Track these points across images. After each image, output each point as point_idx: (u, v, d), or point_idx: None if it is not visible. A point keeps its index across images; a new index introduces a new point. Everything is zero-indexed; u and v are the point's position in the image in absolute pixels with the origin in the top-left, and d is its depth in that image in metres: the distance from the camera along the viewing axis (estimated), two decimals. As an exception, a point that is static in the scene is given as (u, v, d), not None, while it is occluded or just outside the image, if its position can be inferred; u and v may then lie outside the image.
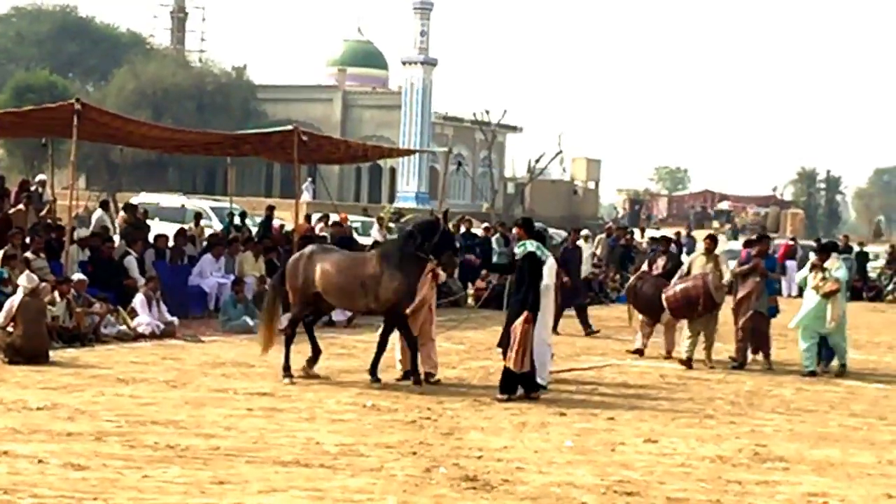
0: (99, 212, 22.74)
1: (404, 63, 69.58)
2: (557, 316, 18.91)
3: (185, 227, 23.72)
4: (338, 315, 17.93)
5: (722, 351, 16.12)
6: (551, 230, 37.85)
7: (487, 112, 67.23)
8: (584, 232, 30.41)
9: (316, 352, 12.91)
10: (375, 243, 24.74)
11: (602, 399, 12.46)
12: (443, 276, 13.18)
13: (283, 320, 13.49)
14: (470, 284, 24.04)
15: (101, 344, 15.06)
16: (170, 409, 10.63)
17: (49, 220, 20.17)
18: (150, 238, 20.88)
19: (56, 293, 14.89)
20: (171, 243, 20.26)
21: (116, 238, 20.19)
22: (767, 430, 10.94)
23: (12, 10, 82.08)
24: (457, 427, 10.36)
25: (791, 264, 29.84)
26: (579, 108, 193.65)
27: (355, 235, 27.71)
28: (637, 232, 34.82)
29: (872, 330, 23.14)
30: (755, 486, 8.55)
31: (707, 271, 15.33)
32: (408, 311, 12.41)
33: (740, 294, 15.57)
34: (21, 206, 19.88)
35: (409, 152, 61.21)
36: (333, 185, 58.88)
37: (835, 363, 15.31)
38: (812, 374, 14.93)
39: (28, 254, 16.49)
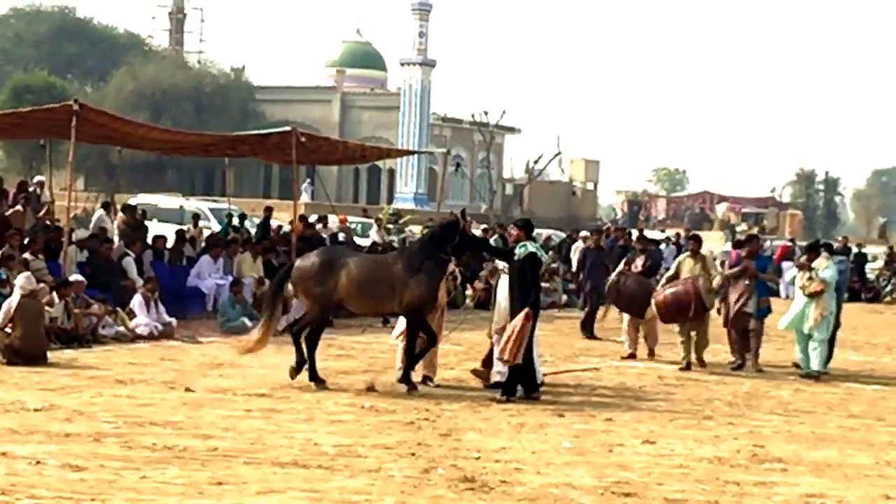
0: (100, 212, 22.74)
1: (403, 64, 69.61)
2: (592, 317, 18.90)
3: (184, 228, 23.73)
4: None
5: (720, 352, 16.13)
6: (551, 231, 37.93)
7: (486, 113, 67.27)
8: (584, 233, 30.47)
9: (301, 362, 12.41)
10: (373, 244, 24.79)
11: (600, 400, 12.46)
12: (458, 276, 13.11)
13: (283, 321, 13.45)
14: (469, 286, 24.03)
15: (99, 345, 15.06)
16: (168, 409, 10.62)
17: (48, 222, 20.16)
18: (149, 239, 20.88)
19: (55, 294, 14.90)
20: (169, 244, 20.26)
21: (115, 239, 20.20)
22: (765, 431, 10.94)
23: (11, 11, 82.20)
24: (455, 428, 10.36)
25: (788, 265, 29.81)
26: (578, 110, 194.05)
27: (355, 237, 27.76)
28: (635, 233, 34.78)
29: (870, 331, 23.15)
30: (753, 487, 8.55)
31: (696, 273, 15.26)
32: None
33: (732, 296, 15.45)
34: (19, 207, 19.89)
35: (407, 153, 61.16)
36: (332, 187, 58.95)
37: (815, 366, 14.84)
38: (809, 375, 14.89)
39: (27, 255, 16.49)
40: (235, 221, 25.23)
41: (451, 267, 12.83)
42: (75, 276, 16.09)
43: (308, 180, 52.57)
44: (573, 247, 28.98)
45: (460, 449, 9.42)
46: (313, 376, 12.27)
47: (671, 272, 15.76)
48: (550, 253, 25.41)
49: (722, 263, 18.20)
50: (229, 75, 75.01)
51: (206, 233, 24.40)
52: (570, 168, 78.15)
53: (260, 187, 68.73)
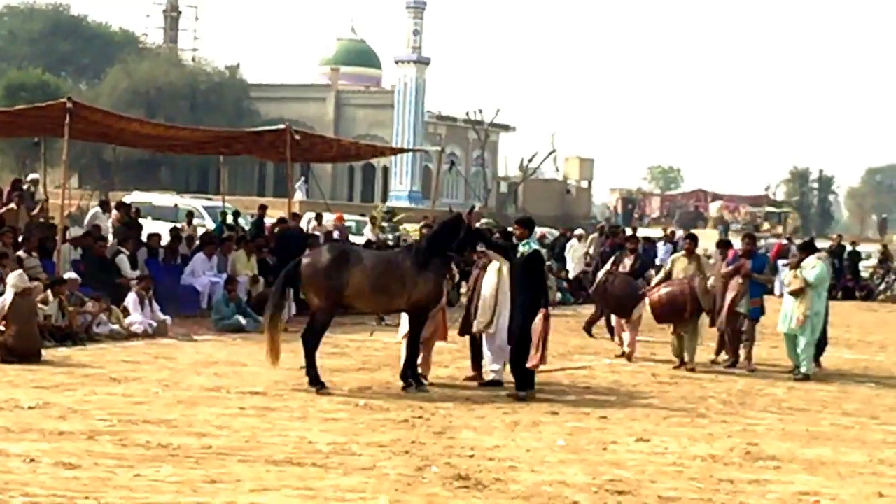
0: (95, 209, 22.71)
1: (397, 62, 69.67)
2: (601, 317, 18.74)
3: (179, 225, 23.72)
4: None
5: (703, 351, 16.06)
6: (545, 230, 37.93)
7: (480, 111, 67.43)
8: (578, 231, 30.48)
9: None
10: (368, 242, 24.78)
11: (594, 398, 12.47)
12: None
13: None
14: (464, 284, 24.00)
15: (93, 343, 15.04)
16: (162, 408, 10.62)
17: (42, 220, 20.14)
18: (143, 237, 20.86)
19: (49, 292, 14.88)
20: (164, 242, 20.24)
21: (110, 237, 20.17)
22: (759, 429, 10.95)
23: (5, 9, 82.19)
24: (449, 426, 10.36)
25: (784, 264, 29.83)
26: (572, 108, 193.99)
27: (351, 236, 27.75)
28: (630, 231, 34.83)
29: (864, 329, 23.19)
30: (747, 485, 8.56)
31: (690, 273, 15.21)
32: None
33: (727, 295, 15.41)
34: (13, 205, 19.87)
35: (401, 151, 61.26)
36: (326, 185, 58.95)
37: (804, 368, 14.83)
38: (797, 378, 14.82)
39: (20, 252, 16.48)
40: (230, 219, 25.23)
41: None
42: (69, 274, 16.09)
43: (302, 178, 52.58)
44: (567, 245, 29.09)
45: (454, 447, 9.42)
46: (314, 381, 11.91)
47: (664, 271, 15.73)
48: (545, 251, 25.42)
49: (707, 257, 18.16)
50: (224, 73, 75.05)
51: (201, 231, 24.39)
52: (564, 166, 78.25)
53: (254, 185, 68.77)
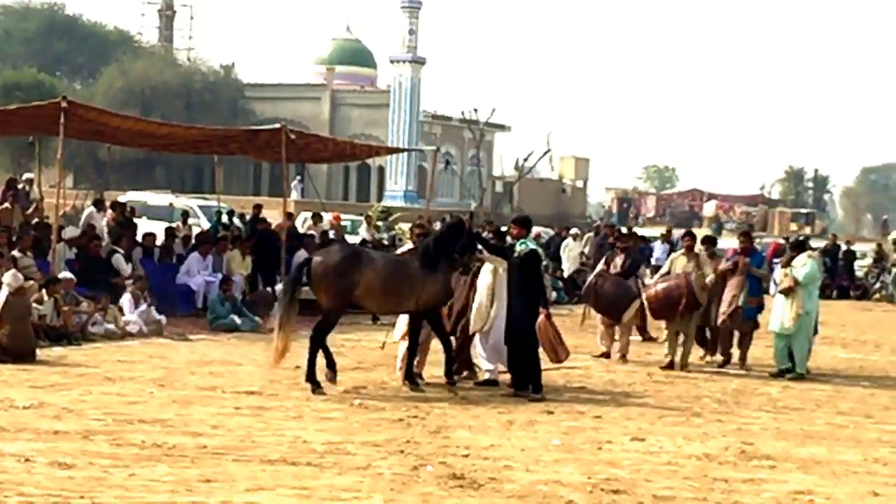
0: (90, 209, 22.69)
1: (393, 61, 69.57)
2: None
3: (174, 225, 23.69)
4: None
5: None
6: (540, 229, 37.93)
7: (476, 111, 67.28)
8: (574, 230, 30.50)
9: (330, 362, 12.14)
10: (363, 242, 24.77)
11: (589, 397, 12.48)
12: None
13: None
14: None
15: (88, 342, 15.03)
16: (157, 407, 10.61)
17: (36, 219, 20.12)
18: (138, 236, 20.84)
19: (43, 291, 14.87)
20: (159, 242, 20.22)
21: (105, 237, 20.14)
22: (754, 429, 10.97)
23: (0, 8, 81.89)
24: (444, 425, 10.36)
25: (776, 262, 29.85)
26: (568, 107, 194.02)
27: (346, 235, 27.71)
28: (625, 230, 34.83)
29: (859, 328, 23.22)
30: (742, 484, 8.57)
31: (689, 270, 15.24)
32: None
33: (726, 294, 15.41)
34: (7, 205, 19.86)
35: (397, 150, 61.22)
36: (322, 184, 58.83)
37: (799, 368, 14.83)
38: (780, 373, 14.80)
39: (15, 252, 16.46)
40: (225, 219, 25.20)
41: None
42: (64, 274, 16.07)
43: (298, 178, 52.54)
44: (562, 244, 29.12)
45: (449, 446, 9.43)
46: (311, 377, 11.84)
47: (664, 270, 15.74)
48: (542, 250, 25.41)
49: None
50: (219, 72, 74.93)
51: (196, 230, 24.37)
52: (559, 165, 78.19)
53: (249, 185, 68.65)
